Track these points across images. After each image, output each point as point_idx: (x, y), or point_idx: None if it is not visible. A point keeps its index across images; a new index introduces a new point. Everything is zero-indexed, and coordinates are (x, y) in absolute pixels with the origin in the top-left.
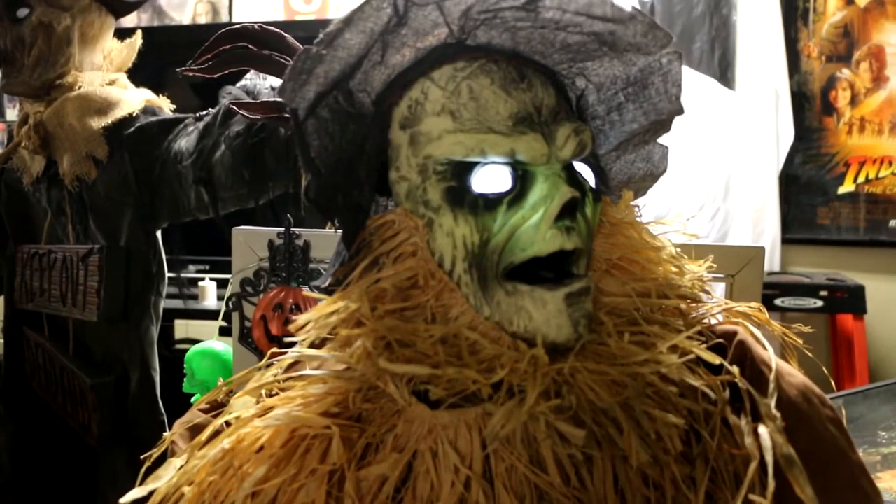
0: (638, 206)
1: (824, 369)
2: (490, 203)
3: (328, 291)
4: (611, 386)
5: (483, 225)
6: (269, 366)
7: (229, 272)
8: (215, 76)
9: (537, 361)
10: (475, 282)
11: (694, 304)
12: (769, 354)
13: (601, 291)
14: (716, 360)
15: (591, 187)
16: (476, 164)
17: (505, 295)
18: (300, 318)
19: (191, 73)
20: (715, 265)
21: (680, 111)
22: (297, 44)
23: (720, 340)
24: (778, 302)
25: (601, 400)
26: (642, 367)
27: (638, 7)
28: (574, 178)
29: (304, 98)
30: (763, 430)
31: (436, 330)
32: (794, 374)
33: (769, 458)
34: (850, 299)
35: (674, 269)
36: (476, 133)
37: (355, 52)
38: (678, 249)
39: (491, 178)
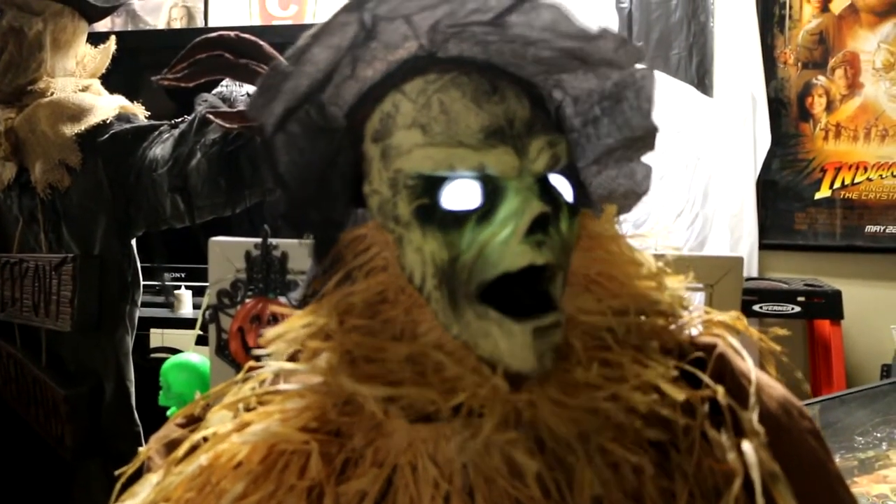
0: (619, 221)
1: (800, 374)
2: (459, 219)
3: (303, 305)
4: (571, 418)
5: (451, 242)
6: (246, 379)
7: (205, 280)
8: (191, 85)
9: (497, 389)
10: (445, 299)
11: (672, 322)
12: (749, 366)
13: (578, 309)
14: (680, 396)
15: (566, 201)
16: (446, 178)
17: (475, 317)
18: (268, 332)
19: (167, 82)
20: (695, 279)
21: (652, 128)
22: (274, 52)
23: (700, 354)
24: (756, 308)
25: (560, 431)
26: (605, 402)
27: (615, 12)
28: (548, 192)
29: (272, 113)
30: (747, 445)
31: (402, 348)
32: (774, 386)
33: (756, 475)
34: (827, 305)
35: (653, 284)
36: (445, 147)
37: (322, 67)
38: (660, 264)
39: (461, 193)
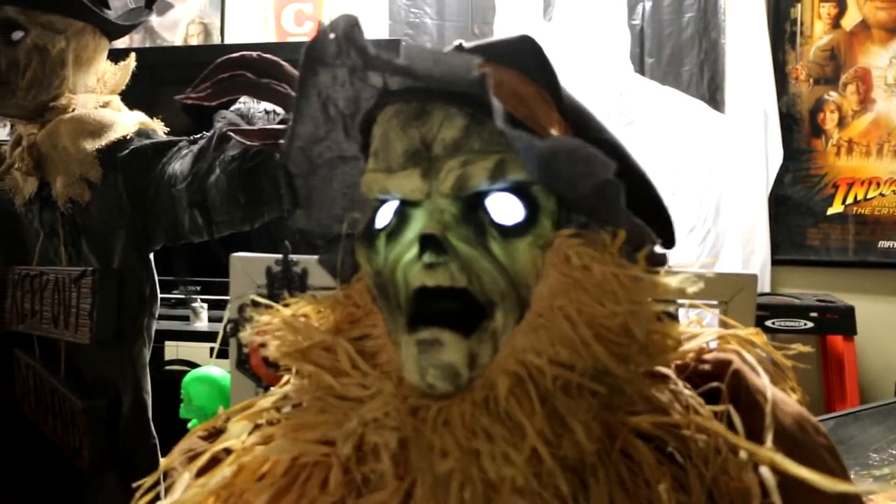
0: (621, 249)
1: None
2: (372, 237)
3: None
4: (435, 451)
5: (369, 258)
6: (267, 392)
7: (220, 293)
8: (213, 104)
9: (380, 392)
10: (385, 308)
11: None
12: (764, 383)
13: (528, 345)
14: (565, 487)
15: (495, 223)
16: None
17: (400, 326)
18: (260, 317)
19: (189, 101)
20: (709, 297)
21: (510, 135)
22: (294, 71)
23: (710, 368)
24: (768, 323)
25: (417, 456)
26: (475, 459)
27: (627, 29)
28: (469, 214)
29: (290, 149)
30: (765, 470)
31: (319, 335)
32: (789, 403)
33: (777, 500)
34: (840, 320)
35: (622, 342)
36: (373, 172)
37: (313, 115)
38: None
39: (386, 215)
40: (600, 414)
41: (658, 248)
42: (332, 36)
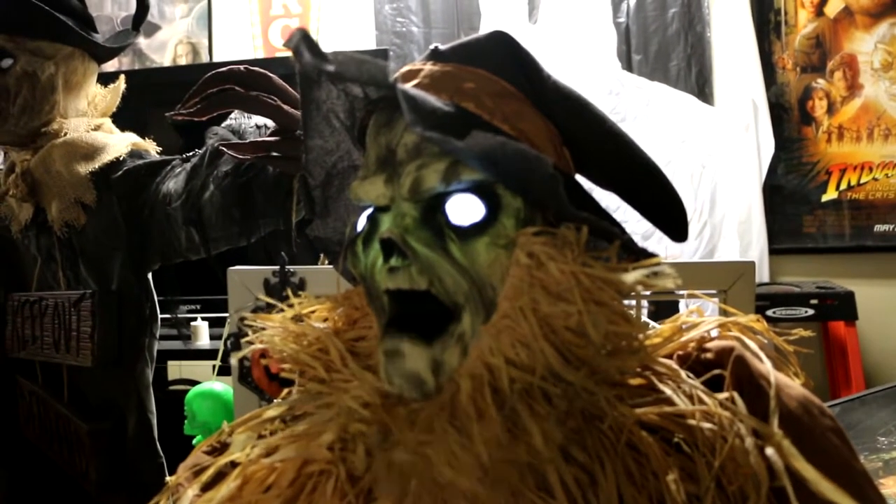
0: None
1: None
2: (353, 242)
3: None
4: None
5: (353, 262)
6: (271, 405)
7: (221, 311)
8: (204, 119)
9: (350, 389)
10: (373, 311)
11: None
12: (767, 368)
13: (494, 346)
14: None
15: (452, 225)
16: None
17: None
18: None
19: (180, 118)
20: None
21: (430, 138)
22: (284, 84)
23: (711, 356)
24: (769, 313)
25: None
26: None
27: (612, 27)
28: (429, 216)
29: (307, 161)
30: (771, 451)
31: (314, 332)
32: (793, 386)
33: (786, 482)
34: (841, 306)
35: (576, 342)
36: (355, 180)
37: (313, 126)
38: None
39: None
40: (571, 417)
41: (661, 242)
42: (289, 53)
